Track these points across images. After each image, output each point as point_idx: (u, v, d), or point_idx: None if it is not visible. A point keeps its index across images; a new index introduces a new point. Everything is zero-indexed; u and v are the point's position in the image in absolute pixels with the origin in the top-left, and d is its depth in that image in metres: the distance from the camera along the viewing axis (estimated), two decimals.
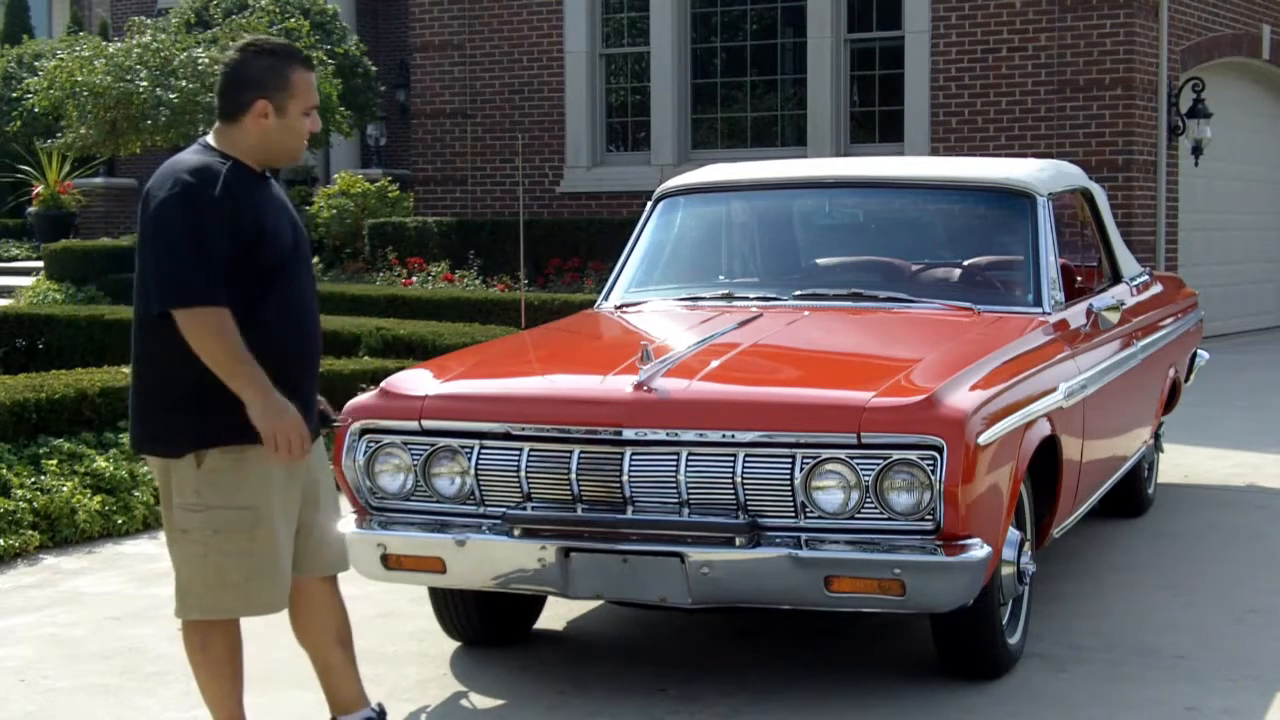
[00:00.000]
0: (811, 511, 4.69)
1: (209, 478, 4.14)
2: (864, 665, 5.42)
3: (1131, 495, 7.68)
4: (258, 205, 4.17)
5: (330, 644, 4.45)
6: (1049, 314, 6.04)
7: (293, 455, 4.12)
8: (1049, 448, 5.44)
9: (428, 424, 5.05)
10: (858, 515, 4.66)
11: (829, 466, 4.66)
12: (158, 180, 4.15)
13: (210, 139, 4.27)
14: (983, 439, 4.70)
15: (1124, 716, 4.90)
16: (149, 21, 17.84)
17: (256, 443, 4.12)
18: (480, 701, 5.13)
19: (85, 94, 16.03)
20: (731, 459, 4.73)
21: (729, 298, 6.30)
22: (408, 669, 5.45)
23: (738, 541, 4.69)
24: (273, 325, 4.16)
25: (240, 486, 4.15)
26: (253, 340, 4.10)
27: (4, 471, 7.45)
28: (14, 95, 19.71)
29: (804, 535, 4.68)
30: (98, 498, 7.60)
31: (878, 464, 4.63)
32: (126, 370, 4.29)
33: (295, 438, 4.10)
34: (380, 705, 4.57)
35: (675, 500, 4.78)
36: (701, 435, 4.77)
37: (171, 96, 15.53)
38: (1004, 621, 5.16)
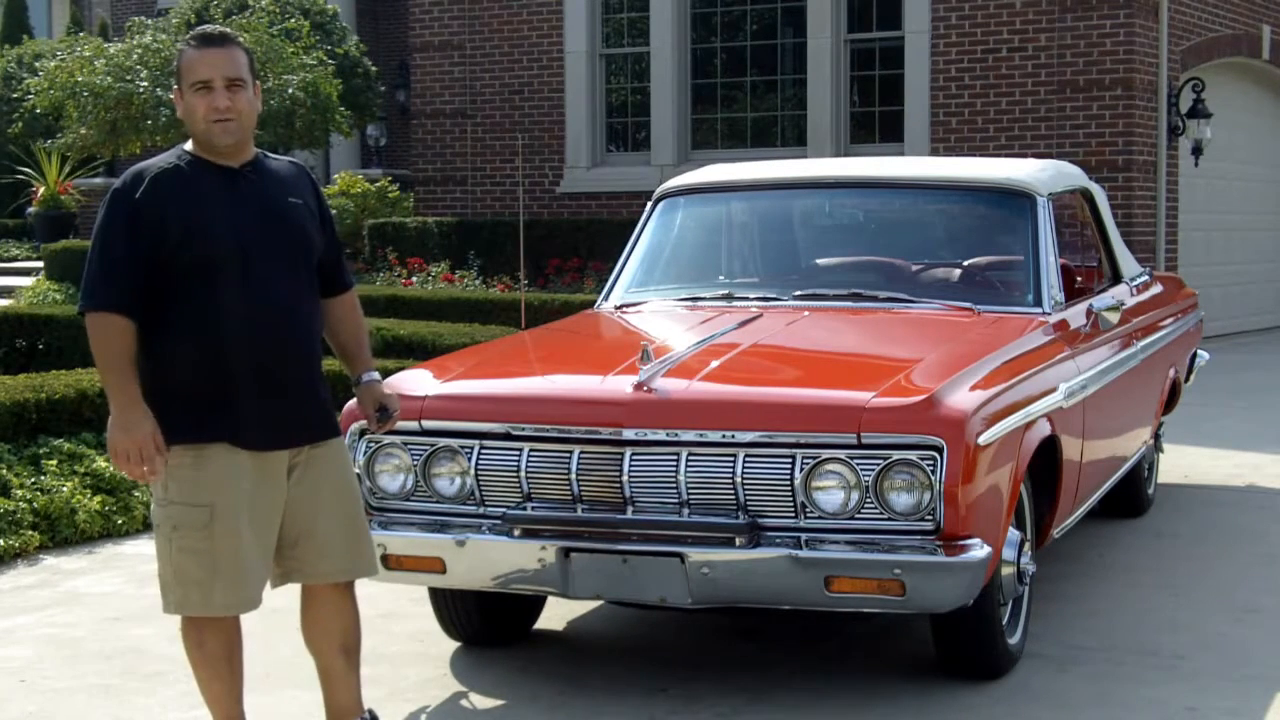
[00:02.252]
0: (811, 511, 4.69)
1: (173, 473, 4.15)
2: (864, 665, 5.42)
3: (1131, 495, 7.67)
4: (193, 202, 4.13)
5: (333, 651, 4.41)
6: (1049, 314, 6.04)
7: (131, 472, 4.11)
8: (1049, 448, 5.44)
9: (427, 424, 5.05)
10: (858, 515, 4.66)
11: (829, 467, 4.66)
12: None
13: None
14: (983, 439, 4.70)
15: (1124, 716, 4.90)
16: (149, 21, 17.84)
17: (218, 441, 4.13)
18: (480, 701, 5.13)
19: (85, 94, 16.02)
20: (731, 459, 4.73)
21: (729, 298, 6.30)
22: (408, 669, 5.45)
23: (738, 542, 4.69)
24: (207, 323, 4.12)
25: (198, 484, 4.14)
26: (177, 338, 4.12)
27: (4, 471, 7.45)
28: (14, 96, 19.69)
29: (804, 535, 4.68)
30: (98, 498, 7.60)
31: (878, 464, 4.63)
32: None
33: (134, 454, 4.06)
34: (371, 711, 4.53)
35: (675, 500, 4.78)
36: (701, 435, 4.77)
37: (171, 97, 15.52)
38: (1004, 621, 5.16)
